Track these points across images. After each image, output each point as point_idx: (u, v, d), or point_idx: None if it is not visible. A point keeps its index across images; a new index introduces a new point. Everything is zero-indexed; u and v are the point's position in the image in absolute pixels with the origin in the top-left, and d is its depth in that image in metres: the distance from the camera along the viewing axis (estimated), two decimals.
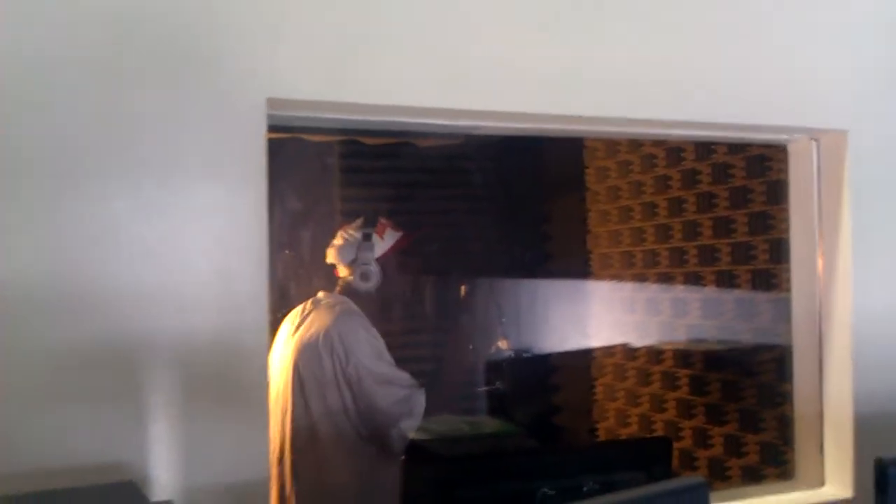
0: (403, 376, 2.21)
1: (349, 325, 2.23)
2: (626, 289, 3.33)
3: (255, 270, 1.27)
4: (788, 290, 1.95)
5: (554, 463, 1.64)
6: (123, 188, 1.21)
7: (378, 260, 2.31)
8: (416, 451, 2.11)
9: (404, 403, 2.17)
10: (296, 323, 2.30)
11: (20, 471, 1.13)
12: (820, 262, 1.83)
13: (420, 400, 2.19)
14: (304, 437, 2.17)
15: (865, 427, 1.71)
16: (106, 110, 1.20)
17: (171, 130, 1.23)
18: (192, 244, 1.24)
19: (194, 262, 1.24)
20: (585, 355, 3.52)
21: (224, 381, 1.26)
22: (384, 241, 2.34)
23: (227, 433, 1.27)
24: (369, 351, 2.20)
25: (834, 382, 1.79)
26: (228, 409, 1.27)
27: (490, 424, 2.53)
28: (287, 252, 3.06)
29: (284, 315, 2.39)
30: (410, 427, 2.14)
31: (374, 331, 2.25)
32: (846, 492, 1.72)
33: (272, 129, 1.36)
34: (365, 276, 2.30)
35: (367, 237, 2.33)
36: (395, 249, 2.37)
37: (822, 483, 1.78)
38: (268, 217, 1.30)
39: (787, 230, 1.96)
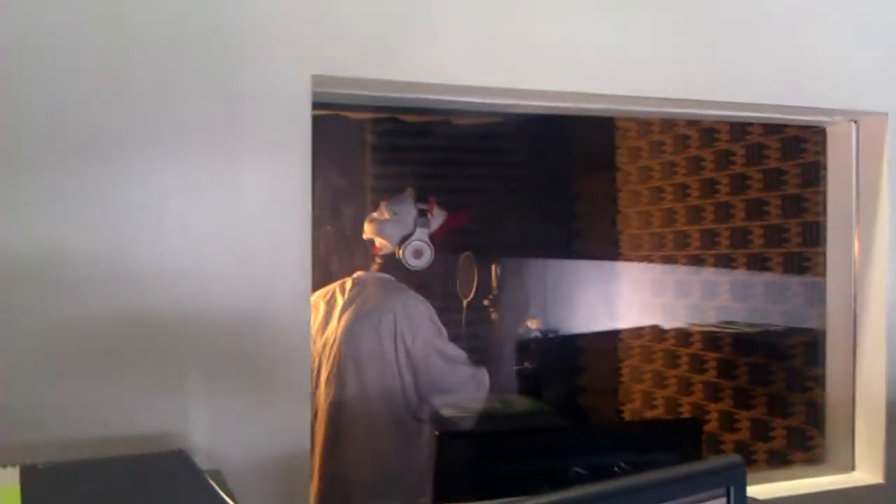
0: (464, 355, 2.19)
1: (412, 303, 2.18)
2: (656, 270, 3.32)
3: (299, 246, 1.29)
4: (821, 273, 1.94)
5: (585, 442, 1.66)
6: (172, 165, 1.23)
7: (432, 236, 2.27)
8: (450, 427, 2.13)
9: (472, 382, 2.16)
10: (340, 301, 2.25)
11: (65, 439, 1.17)
12: (857, 246, 1.82)
13: (485, 378, 2.18)
14: (344, 415, 2.15)
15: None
16: (149, 86, 1.21)
17: (216, 107, 1.24)
18: (237, 220, 1.26)
19: (239, 238, 1.26)
20: (613, 337, 3.52)
21: (267, 355, 1.28)
22: (435, 219, 2.30)
23: (269, 406, 1.29)
24: (434, 329, 2.17)
25: (867, 367, 1.78)
26: (271, 382, 1.29)
27: (522, 403, 2.54)
28: (328, 228, 3.08)
29: (315, 290, 2.38)
30: (481, 399, 2.14)
31: (430, 306, 2.22)
32: (877, 477, 1.72)
33: (318, 106, 1.37)
34: (418, 254, 2.23)
35: (423, 213, 2.29)
36: (447, 228, 2.33)
37: (852, 468, 1.78)
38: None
39: (821, 213, 1.95)
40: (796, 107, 1.68)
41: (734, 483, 0.95)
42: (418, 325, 2.15)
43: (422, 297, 2.21)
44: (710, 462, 0.98)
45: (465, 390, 2.13)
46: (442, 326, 2.20)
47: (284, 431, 1.28)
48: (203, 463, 1.22)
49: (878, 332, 1.76)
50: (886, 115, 1.75)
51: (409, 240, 2.24)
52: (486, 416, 2.16)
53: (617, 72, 1.51)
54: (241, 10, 1.26)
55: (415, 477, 2.08)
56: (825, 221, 1.92)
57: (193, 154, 1.24)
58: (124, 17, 1.20)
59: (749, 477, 1.81)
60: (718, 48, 1.58)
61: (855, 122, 1.81)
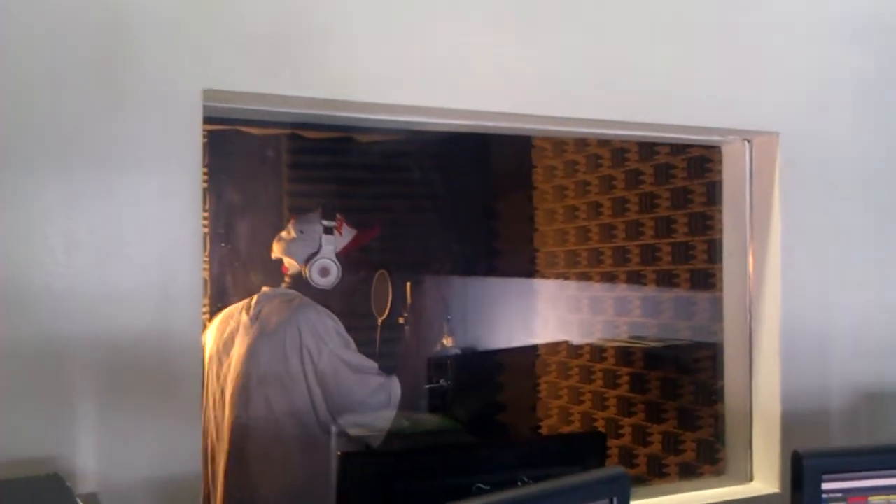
0: (374, 365, 2.16)
1: (316, 317, 2.14)
2: (572, 287, 3.37)
3: (190, 263, 1.26)
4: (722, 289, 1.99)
5: (490, 458, 1.65)
6: (53, 179, 1.18)
7: (339, 255, 2.24)
8: (356, 446, 2.10)
9: (382, 392, 2.12)
10: (244, 318, 2.21)
11: None
12: (751, 262, 1.88)
13: (396, 387, 2.13)
14: (249, 435, 2.11)
15: (792, 424, 1.75)
16: (37, 98, 1.17)
17: (104, 120, 1.21)
18: (125, 236, 1.22)
19: (127, 254, 1.23)
20: (530, 353, 3.56)
21: (157, 376, 1.25)
22: (342, 237, 2.28)
23: (158, 428, 1.25)
24: (340, 342, 2.13)
25: (762, 380, 1.83)
26: (161, 403, 1.25)
27: (431, 421, 2.53)
28: (224, 245, 3.02)
29: (220, 309, 2.33)
30: (390, 416, 2.10)
31: (337, 319, 2.18)
32: (773, 487, 1.77)
33: (212, 120, 1.35)
34: (325, 272, 2.20)
35: (328, 231, 2.26)
36: (355, 246, 2.31)
37: (750, 478, 1.82)
38: (205, 209, 1.29)
39: (721, 233, 2.01)
40: (692, 126, 1.73)
41: (617, 493, 0.96)
42: (324, 338, 2.11)
43: (328, 311, 2.18)
44: (594, 473, 0.99)
45: (376, 400, 2.10)
46: (349, 339, 2.17)
47: (175, 453, 1.25)
48: (88, 486, 1.18)
49: (771, 345, 1.81)
50: (778, 134, 1.81)
51: (315, 258, 2.22)
52: (393, 435, 2.14)
53: (520, 91, 1.53)
54: (128, 22, 1.23)
55: (320, 496, 2.04)
56: (722, 238, 1.98)
57: (79, 169, 1.20)
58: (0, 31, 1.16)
59: (654, 488, 1.84)
60: (617, 68, 1.62)
61: (748, 141, 1.88)
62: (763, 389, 1.83)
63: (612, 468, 0.98)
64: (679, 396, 2.76)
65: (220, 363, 2.20)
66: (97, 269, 1.22)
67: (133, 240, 1.24)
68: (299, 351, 2.09)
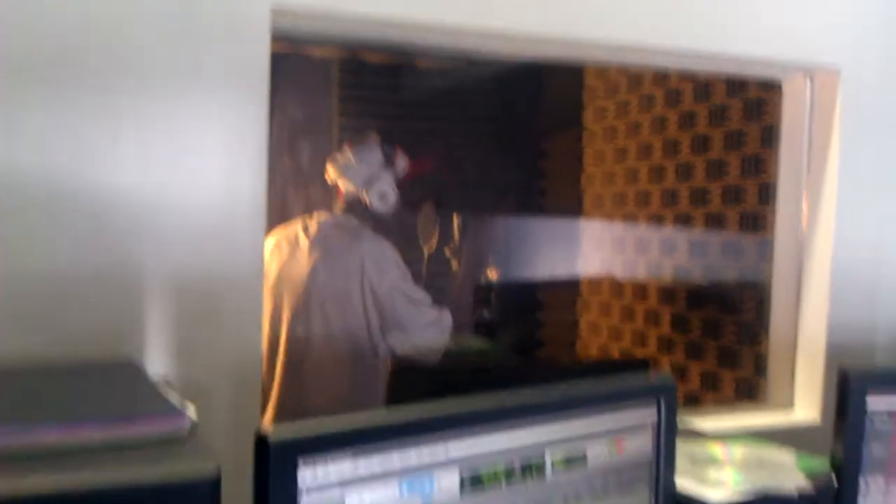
0: (426, 297, 2.23)
1: (378, 247, 2.21)
2: (617, 228, 3.37)
3: (255, 180, 1.30)
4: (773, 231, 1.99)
5: (534, 377, 1.70)
6: (123, 95, 1.22)
7: (399, 182, 2.28)
8: (401, 363, 2.18)
9: (436, 324, 2.20)
10: (302, 241, 2.26)
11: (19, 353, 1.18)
12: (805, 202, 1.87)
13: (448, 320, 2.22)
14: (306, 351, 2.19)
15: (836, 357, 1.77)
16: (104, 15, 1.21)
17: (174, 38, 1.24)
18: (193, 152, 1.26)
19: (194, 169, 1.27)
20: (572, 292, 3.58)
21: (221, 278, 1.30)
22: (398, 165, 2.31)
23: (221, 326, 1.31)
24: (400, 273, 2.20)
25: (810, 314, 1.84)
26: (224, 305, 1.31)
27: (476, 342, 2.60)
28: (281, 166, 3.07)
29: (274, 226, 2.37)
30: (444, 345, 2.19)
31: (397, 253, 2.24)
32: (815, 416, 1.79)
33: (276, 40, 1.37)
34: (384, 198, 2.25)
35: (388, 158, 2.29)
36: (412, 175, 2.34)
37: (791, 407, 1.85)
38: (268, 129, 1.32)
39: (776, 173, 1.99)
40: (751, 59, 1.71)
41: (665, 396, 1.00)
42: (385, 268, 2.18)
43: (388, 242, 2.24)
44: (644, 377, 1.02)
45: (429, 331, 2.18)
46: (407, 270, 2.24)
47: (236, 356, 1.30)
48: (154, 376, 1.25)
49: (821, 281, 1.82)
50: (839, 72, 1.79)
51: (375, 183, 2.26)
52: (441, 355, 2.21)
53: (573, 15, 1.52)
54: None
55: (369, 407, 2.13)
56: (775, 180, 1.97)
57: (148, 85, 1.24)
58: None
59: (691, 414, 1.87)
60: None
61: (810, 77, 1.85)
62: (810, 324, 1.84)
63: (661, 374, 1.01)
64: (720, 336, 2.78)
65: (280, 281, 2.26)
66: (166, 180, 1.26)
67: (200, 156, 1.28)
68: (360, 278, 2.17)
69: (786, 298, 1.90)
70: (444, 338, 2.20)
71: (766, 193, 2.54)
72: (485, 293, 2.77)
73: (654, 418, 0.99)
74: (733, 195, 2.74)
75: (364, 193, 2.26)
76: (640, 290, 3.22)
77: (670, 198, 3.07)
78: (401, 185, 2.32)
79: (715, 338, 2.80)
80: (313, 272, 2.21)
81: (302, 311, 2.20)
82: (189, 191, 1.27)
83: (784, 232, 1.94)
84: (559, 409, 0.92)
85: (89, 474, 0.68)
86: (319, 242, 2.25)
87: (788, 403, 1.85)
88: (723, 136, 2.81)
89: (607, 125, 3.48)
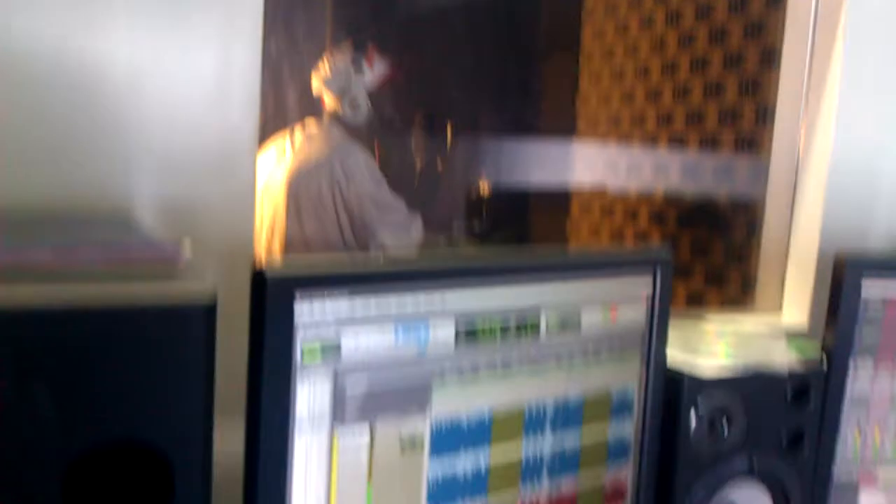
0: (401, 204, 2.25)
1: (347, 150, 2.24)
2: (611, 151, 3.35)
3: (250, 77, 1.27)
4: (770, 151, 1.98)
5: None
6: None
7: (368, 91, 2.29)
8: None
9: (403, 229, 2.22)
10: (286, 149, 2.31)
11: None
12: (804, 114, 1.86)
13: (418, 225, 2.25)
14: (285, 253, 2.22)
15: (827, 267, 1.77)
16: None
17: None
18: (187, 44, 1.23)
19: (189, 44, 1.24)
20: (562, 212, 3.58)
21: (215, 151, 1.28)
22: (374, 70, 2.30)
23: (212, 199, 1.29)
24: (370, 176, 2.23)
25: (803, 224, 1.84)
26: (218, 176, 1.29)
27: (467, 243, 2.61)
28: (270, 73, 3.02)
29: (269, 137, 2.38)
30: (412, 247, 2.21)
31: (371, 157, 2.28)
32: (803, 320, 1.81)
33: None
34: (354, 107, 2.28)
35: (357, 64, 2.29)
36: (385, 81, 2.34)
37: (779, 311, 1.86)
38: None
39: (775, 92, 1.97)
40: None
41: (660, 267, 0.99)
42: (354, 172, 2.23)
43: (361, 147, 2.27)
44: (641, 247, 1.01)
45: (398, 234, 2.20)
46: (381, 177, 2.26)
47: (230, 213, 1.29)
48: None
49: (817, 191, 1.81)
50: None
51: (347, 93, 2.27)
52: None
53: None
54: None
55: None
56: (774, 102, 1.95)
57: None
58: None
59: (680, 312, 1.88)
60: None
61: None
62: (803, 233, 1.84)
63: (657, 245, 1.01)
64: (709, 254, 2.79)
65: (264, 190, 2.28)
66: (161, 46, 1.23)
67: (194, 47, 1.24)
68: (331, 183, 2.17)
69: (779, 212, 1.89)
70: (412, 241, 2.23)
71: (764, 115, 2.52)
72: (476, 205, 2.77)
73: (649, 289, 0.99)
74: (730, 116, 2.72)
75: (337, 103, 2.27)
76: (631, 210, 3.22)
77: (665, 119, 3.04)
78: (385, 93, 2.32)
79: (703, 255, 2.81)
80: (291, 178, 2.25)
81: (279, 218, 2.22)
82: (185, 60, 1.24)
83: (781, 144, 1.93)
84: (556, 270, 0.92)
85: (82, 293, 0.67)
86: (300, 151, 2.29)
87: (777, 309, 1.86)
88: (722, 56, 2.77)
89: (606, 46, 3.43)
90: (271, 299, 0.72)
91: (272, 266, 0.73)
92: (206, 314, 0.67)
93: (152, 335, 0.63)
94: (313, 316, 0.74)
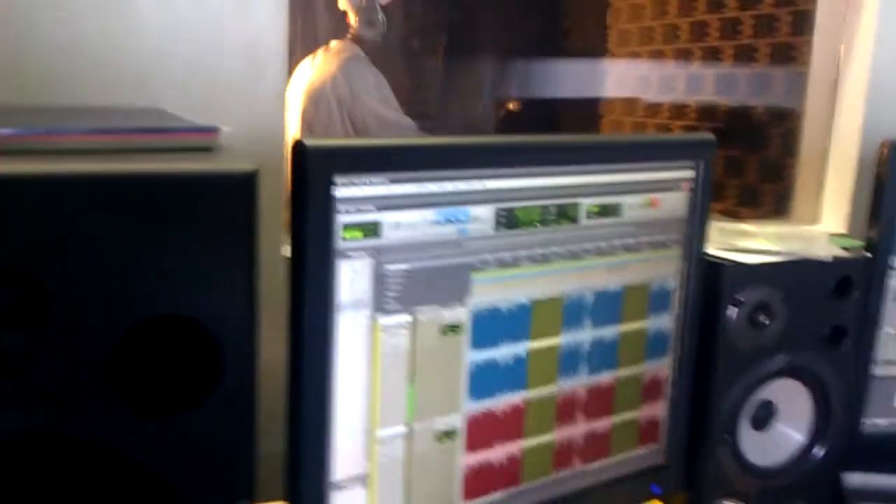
0: (409, 123, 2.24)
1: (355, 68, 2.25)
2: (642, 67, 3.27)
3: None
4: (808, 63, 1.92)
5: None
6: None
7: (384, 7, 2.28)
8: None
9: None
10: (306, 70, 2.31)
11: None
12: (844, 11, 1.79)
13: None
14: None
15: (866, 174, 1.73)
16: None
17: None
18: None
19: None
20: (593, 127, 3.53)
21: (241, 79, 1.26)
22: None
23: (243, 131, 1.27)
24: (376, 94, 2.23)
25: (843, 133, 1.80)
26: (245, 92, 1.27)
27: None
28: None
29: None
30: None
31: (381, 77, 2.27)
32: (840, 229, 1.78)
33: None
34: (370, 23, 2.27)
35: None
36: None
37: (817, 221, 1.84)
38: None
39: (814, 2, 1.90)
40: None
41: (704, 155, 0.97)
42: (360, 88, 2.22)
43: (371, 65, 2.26)
44: (684, 135, 0.99)
45: None
46: (389, 96, 2.26)
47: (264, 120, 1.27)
48: None
49: (856, 106, 1.76)
50: None
51: (363, 10, 2.25)
52: None
53: None
54: None
55: None
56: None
57: None
58: None
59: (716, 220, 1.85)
60: None
61: None
62: (843, 142, 1.79)
63: (702, 133, 0.98)
64: (744, 173, 2.74)
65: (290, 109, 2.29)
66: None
67: None
68: (338, 100, 2.16)
69: (819, 122, 1.84)
70: None
71: (802, 23, 2.44)
72: (505, 122, 2.74)
73: (692, 175, 0.97)
74: (766, 25, 2.64)
75: (357, 20, 2.26)
76: (663, 128, 3.16)
77: (699, 31, 2.96)
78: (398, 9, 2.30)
79: (738, 174, 2.76)
80: (305, 95, 2.28)
81: (297, 129, 2.25)
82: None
83: (822, 52, 1.87)
84: (598, 154, 0.90)
85: (122, 165, 0.65)
86: (317, 69, 2.31)
87: (815, 221, 1.83)
88: None
89: None
90: (312, 174, 0.71)
91: (312, 141, 0.71)
92: (248, 181, 0.66)
93: (196, 204, 0.62)
94: (353, 193, 0.73)
